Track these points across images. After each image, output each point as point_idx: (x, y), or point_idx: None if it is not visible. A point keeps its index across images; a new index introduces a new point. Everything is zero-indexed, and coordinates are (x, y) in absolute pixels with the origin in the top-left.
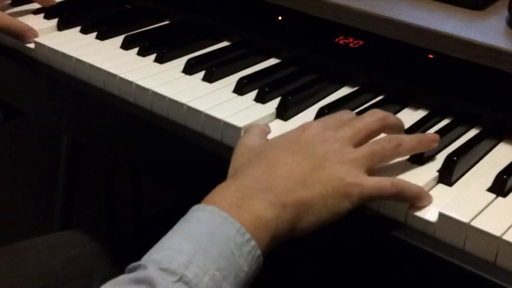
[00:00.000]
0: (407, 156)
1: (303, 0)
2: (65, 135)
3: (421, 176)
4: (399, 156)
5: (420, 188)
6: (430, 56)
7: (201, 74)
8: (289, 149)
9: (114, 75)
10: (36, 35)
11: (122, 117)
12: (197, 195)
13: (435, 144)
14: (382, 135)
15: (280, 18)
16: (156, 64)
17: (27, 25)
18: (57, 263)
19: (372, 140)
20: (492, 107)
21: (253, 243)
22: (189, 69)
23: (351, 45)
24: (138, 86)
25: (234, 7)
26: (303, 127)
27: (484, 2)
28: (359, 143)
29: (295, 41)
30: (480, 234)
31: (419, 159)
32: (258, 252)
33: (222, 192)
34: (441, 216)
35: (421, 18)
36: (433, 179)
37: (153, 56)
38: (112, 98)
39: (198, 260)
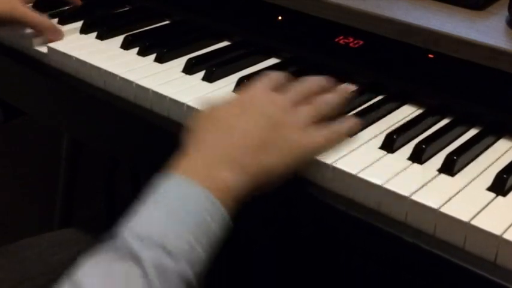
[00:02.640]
0: (408, 156)
1: (303, 0)
2: (65, 135)
3: (422, 175)
4: (332, 110)
5: (349, 123)
6: (430, 56)
7: (201, 73)
8: (244, 114)
9: (115, 75)
10: (59, 37)
11: (122, 117)
12: None
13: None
14: None
15: (280, 18)
16: (156, 64)
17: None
18: (58, 262)
19: (315, 100)
20: (492, 107)
21: (222, 208)
22: (189, 69)
23: (351, 45)
24: (138, 86)
25: (234, 7)
26: (249, 90)
27: (484, 2)
28: (302, 104)
29: (295, 41)
30: (480, 233)
31: (419, 158)
32: (227, 216)
33: (186, 162)
34: (441, 215)
35: (421, 18)
36: (433, 178)
37: (153, 56)
38: (112, 98)
39: (175, 229)
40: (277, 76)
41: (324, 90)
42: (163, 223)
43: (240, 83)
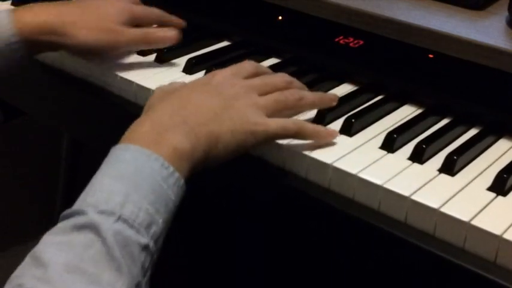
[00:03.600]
0: (408, 156)
1: (303, 0)
2: (65, 135)
3: (422, 175)
4: (301, 109)
5: (318, 126)
6: (430, 56)
7: (201, 73)
8: (201, 89)
9: (115, 75)
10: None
11: (123, 116)
12: (196, 194)
13: (334, 103)
14: None
15: (280, 18)
16: (157, 64)
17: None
18: None
19: (277, 92)
20: (492, 107)
21: (176, 174)
22: (190, 68)
23: (351, 45)
24: (139, 86)
25: (234, 7)
26: (213, 73)
27: (484, 2)
28: (264, 94)
29: (295, 41)
30: (480, 233)
31: (419, 158)
32: (182, 181)
33: (139, 130)
34: (441, 215)
35: (421, 18)
36: (434, 178)
37: (154, 56)
38: (113, 98)
39: (132, 198)
40: (248, 67)
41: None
42: (120, 193)
43: None
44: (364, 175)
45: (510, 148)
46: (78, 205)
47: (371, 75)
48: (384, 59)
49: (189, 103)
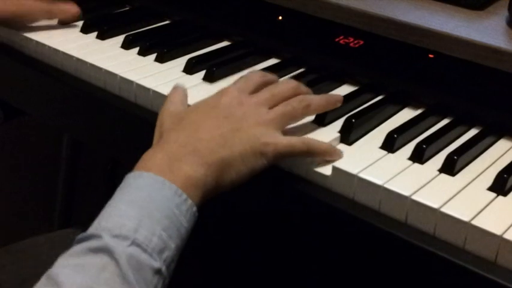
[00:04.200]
0: (408, 156)
1: (303, 0)
2: (65, 135)
3: (422, 175)
4: (309, 114)
5: (329, 144)
6: (430, 56)
7: (202, 73)
8: (210, 114)
9: (115, 75)
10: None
11: (123, 116)
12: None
13: (339, 104)
14: None
15: (280, 18)
16: (157, 64)
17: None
18: None
19: (284, 102)
20: (492, 107)
21: (189, 201)
22: (190, 68)
23: (351, 45)
24: (139, 86)
25: (234, 7)
26: (221, 93)
27: (484, 2)
28: (273, 106)
29: (295, 41)
30: (481, 233)
31: (420, 158)
32: (194, 209)
33: (152, 159)
34: (442, 215)
35: (421, 18)
36: (434, 178)
37: (154, 56)
38: (112, 98)
39: (145, 223)
40: (255, 78)
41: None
42: (134, 219)
43: None
44: (364, 175)
45: (510, 148)
46: (93, 229)
47: (371, 75)
48: (384, 59)
49: (199, 131)
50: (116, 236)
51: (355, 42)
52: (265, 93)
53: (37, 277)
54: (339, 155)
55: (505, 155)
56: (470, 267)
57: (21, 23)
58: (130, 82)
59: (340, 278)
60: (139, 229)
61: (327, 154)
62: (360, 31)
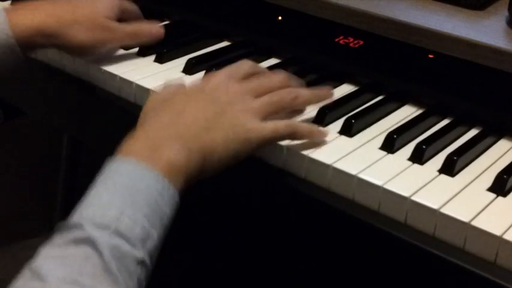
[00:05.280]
0: (408, 157)
1: (303, 0)
2: (65, 135)
3: (422, 176)
4: (297, 107)
5: (312, 125)
6: (430, 56)
7: (201, 73)
8: (194, 97)
9: (114, 75)
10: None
11: (122, 117)
12: (196, 194)
13: (329, 97)
14: None
15: (280, 18)
16: (157, 64)
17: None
18: None
19: (272, 92)
20: (492, 107)
21: (172, 188)
22: (190, 69)
23: (351, 45)
24: (139, 86)
25: (234, 7)
26: (208, 77)
27: (484, 2)
28: (260, 95)
29: (295, 41)
30: (480, 234)
31: (419, 158)
32: (177, 195)
33: (134, 144)
34: (441, 215)
35: (421, 18)
36: (434, 179)
37: (153, 56)
38: (112, 98)
39: (128, 212)
40: (245, 66)
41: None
42: (116, 207)
43: None
44: (364, 176)
45: (510, 149)
46: (74, 218)
47: (371, 75)
48: (384, 59)
49: (183, 115)
50: (98, 226)
51: (355, 42)
52: (253, 82)
53: None
54: (324, 134)
55: (504, 156)
56: (470, 267)
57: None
58: (130, 82)
59: (340, 278)
60: (122, 218)
61: (313, 135)
62: (360, 31)
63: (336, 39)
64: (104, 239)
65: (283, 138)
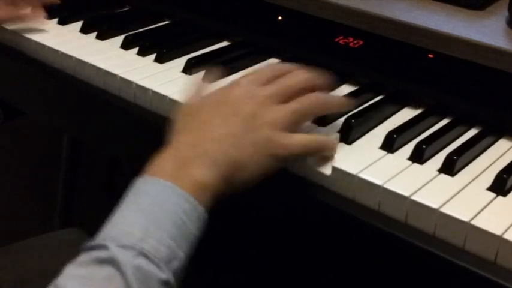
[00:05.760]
0: (408, 156)
1: (303, 0)
2: (65, 135)
3: (422, 175)
4: (321, 113)
5: (334, 139)
6: (430, 56)
7: (201, 74)
8: (218, 110)
9: (114, 75)
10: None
11: (122, 117)
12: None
13: (350, 108)
14: None
15: (280, 18)
16: (156, 64)
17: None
18: (58, 262)
19: (297, 99)
20: (492, 107)
21: (199, 207)
22: (189, 68)
23: (350, 45)
24: (138, 86)
25: (234, 7)
26: (230, 85)
27: (484, 2)
28: (284, 100)
29: (295, 41)
30: (480, 233)
31: (419, 158)
32: (205, 214)
33: (161, 163)
34: (441, 215)
35: (421, 18)
36: (434, 178)
37: (153, 56)
38: (112, 98)
39: (153, 232)
40: (267, 70)
41: (318, 88)
42: (141, 227)
43: None
44: (364, 175)
45: (510, 148)
46: (99, 238)
47: (371, 75)
48: (383, 59)
49: (208, 130)
50: (122, 246)
51: (355, 42)
52: (276, 86)
53: (37, 277)
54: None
55: (504, 155)
56: (470, 267)
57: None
58: (130, 82)
59: (339, 278)
60: (147, 238)
61: (330, 149)
62: (360, 31)
63: (336, 39)
64: (127, 259)
65: (311, 153)
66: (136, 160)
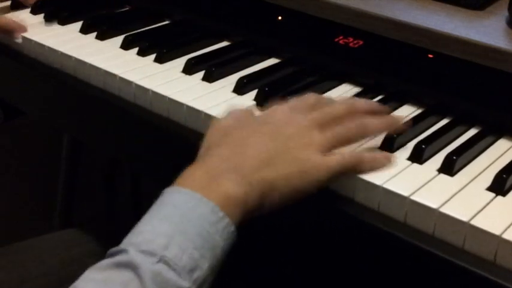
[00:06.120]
0: (407, 156)
1: (303, 0)
2: (65, 135)
3: (421, 175)
4: (365, 137)
5: (375, 154)
6: (430, 56)
7: (201, 73)
8: (257, 130)
9: (114, 75)
10: (24, 30)
11: (122, 117)
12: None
13: (399, 123)
14: None
15: (280, 18)
16: (156, 64)
17: (14, 21)
18: (58, 262)
19: (338, 124)
20: (492, 107)
21: (226, 220)
22: (189, 69)
23: (350, 45)
24: (138, 86)
25: (234, 7)
26: (272, 109)
27: (484, 2)
28: (325, 127)
29: (295, 41)
30: (480, 233)
31: (419, 158)
32: (232, 228)
33: (192, 174)
34: (441, 215)
35: (421, 18)
36: (433, 178)
37: (153, 56)
38: (112, 98)
39: (177, 241)
40: (309, 98)
41: (367, 113)
42: (165, 236)
43: (241, 83)
44: (363, 176)
45: (510, 148)
46: (122, 244)
47: (371, 75)
48: (383, 59)
49: (244, 147)
50: (143, 252)
51: (355, 42)
52: (317, 113)
53: (37, 277)
54: (389, 159)
55: (504, 155)
56: (469, 267)
57: None
58: (130, 82)
59: (338, 277)
60: (169, 246)
61: (376, 162)
62: (360, 31)
63: (336, 39)
64: (146, 264)
65: (352, 170)
66: (136, 160)
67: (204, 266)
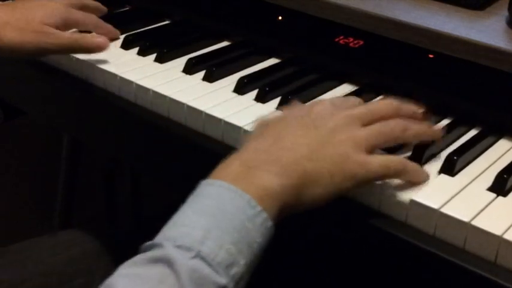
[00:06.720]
0: (409, 157)
1: (303, 0)
2: (65, 135)
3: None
4: (405, 140)
5: (417, 166)
6: (430, 56)
7: (201, 73)
8: (298, 122)
9: (114, 75)
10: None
11: (122, 117)
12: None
13: (438, 136)
14: None
15: (280, 18)
16: (157, 64)
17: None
18: (58, 262)
19: (382, 121)
20: (492, 107)
21: (264, 214)
22: (189, 69)
23: (351, 45)
24: (139, 86)
25: (234, 7)
26: (313, 102)
27: (484, 2)
28: (368, 124)
29: (295, 41)
30: (481, 233)
31: (419, 159)
32: (270, 223)
33: (228, 166)
34: (442, 215)
35: (421, 18)
36: (434, 179)
37: (154, 56)
38: (112, 98)
39: (213, 235)
40: (352, 99)
41: (409, 117)
42: (201, 229)
43: (241, 82)
44: None
45: (510, 148)
46: (157, 238)
47: (371, 75)
48: (384, 59)
49: (284, 139)
50: (179, 247)
51: (355, 42)
52: (360, 109)
53: (37, 277)
54: (425, 176)
55: (504, 155)
56: (470, 267)
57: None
58: (130, 82)
59: (338, 277)
60: (206, 241)
61: (418, 176)
62: (360, 31)
63: (336, 39)
64: (183, 260)
65: (390, 176)
66: (136, 160)
67: (242, 262)
